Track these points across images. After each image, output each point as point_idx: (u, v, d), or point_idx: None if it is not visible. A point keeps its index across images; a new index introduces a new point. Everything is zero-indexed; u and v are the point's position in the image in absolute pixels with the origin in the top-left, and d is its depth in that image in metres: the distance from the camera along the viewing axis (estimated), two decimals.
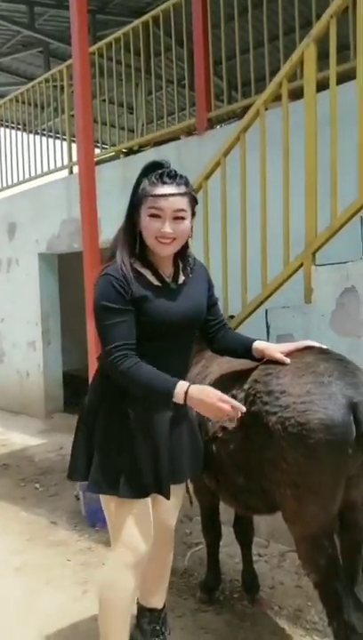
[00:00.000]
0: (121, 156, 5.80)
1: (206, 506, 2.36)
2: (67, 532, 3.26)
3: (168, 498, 1.73)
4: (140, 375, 1.60)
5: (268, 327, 2.83)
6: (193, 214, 1.70)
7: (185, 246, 1.77)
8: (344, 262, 2.56)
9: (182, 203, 1.64)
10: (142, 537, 1.73)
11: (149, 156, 4.88)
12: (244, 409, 1.58)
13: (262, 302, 2.91)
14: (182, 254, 1.79)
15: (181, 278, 1.79)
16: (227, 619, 2.33)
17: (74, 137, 5.78)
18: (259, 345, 1.86)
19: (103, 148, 6.48)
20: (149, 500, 1.74)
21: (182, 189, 1.63)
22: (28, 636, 2.23)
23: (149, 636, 2.03)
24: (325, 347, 1.80)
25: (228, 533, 2.55)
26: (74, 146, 5.82)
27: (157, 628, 2.02)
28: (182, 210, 1.64)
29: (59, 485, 4.05)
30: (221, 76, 5.02)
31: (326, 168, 2.64)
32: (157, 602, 2.04)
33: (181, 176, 1.65)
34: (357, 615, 1.56)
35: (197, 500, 2.27)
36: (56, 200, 5.92)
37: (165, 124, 5.12)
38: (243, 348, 1.90)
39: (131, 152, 5.68)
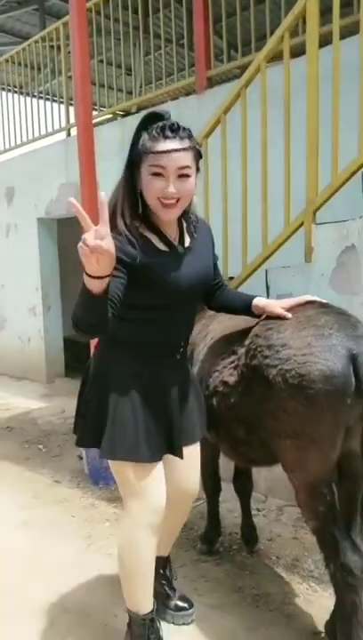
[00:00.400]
0: (118, 118, 5.71)
1: (207, 461, 2.40)
2: (70, 489, 3.34)
3: (181, 457, 1.73)
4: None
5: (268, 287, 2.85)
6: (197, 170, 1.58)
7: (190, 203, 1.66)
8: (345, 220, 2.56)
9: (187, 158, 1.50)
10: (158, 498, 1.70)
11: None
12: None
13: (262, 262, 2.91)
14: (185, 213, 1.68)
15: (188, 240, 1.70)
16: (227, 568, 2.41)
17: (71, 99, 5.71)
18: (259, 302, 1.84)
19: (101, 110, 6.35)
20: (161, 462, 1.71)
21: (186, 144, 1.50)
22: (37, 586, 2.31)
23: (155, 580, 2.01)
24: (325, 301, 1.81)
25: (227, 489, 2.61)
26: (71, 108, 5.74)
27: (161, 572, 2.04)
28: (187, 166, 1.51)
29: (61, 446, 4.13)
30: (220, 35, 4.90)
31: (328, 126, 2.61)
32: (164, 551, 2.05)
33: (183, 128, 1.52)
34: (353, 558, 1.62)
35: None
36: (54, 163, 5.85)
37: (164, 86, 5.02)
38: (243, 306, 1.88)
39: (129, 114, 5.59)
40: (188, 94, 4.89)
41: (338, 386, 1.55)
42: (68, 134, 5.85)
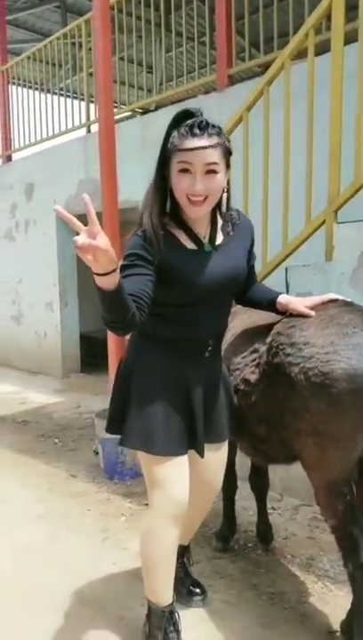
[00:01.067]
0: (138, 115, 5.72)
1: None
2: (86, 484, 3.36)
3: (202, 456, 1.74)
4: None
5: (287, 285, 2.84)
6: (227, 166, 1.59)
7: (226, 200, 1.68)
8: None
9: (214, 155, 1.51)
10: (179, 491, 1.70)
11: (168, 113, 4.80)
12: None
13: (282, 260, 2.90)
14: (220, 209, 1.70)
15: (220, 238, 1.69)
16: (241, 565, 2.41)
17: (92, 96, 5.73)
18: (283, 299, 1.84)
19: (120, 107, 6.37)
20: (186, 457, 1.72)
21: (214, 140, 1.51)
22: (52, 579, 2.33)
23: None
24: (348, 299, 1.80)
25: (243, 488, 2.61)
26: (91, 105, 5.77)
27: (180, 560, 2.08)
28: (214, 163, 1.52)
29: (77, 441, 4.16)
30: (242, 33, 4.89)
31: (351, 124, 2.59)
32: (184, 540, 2.08)
33: (213, 125, 1.53)
34: None
35: None
36: (74, 159, 5.88)
37: (184, 84, 5.02)
38: (267, 301, 1.89)
39: (148, 111, 5.60)
40: (207, 92, 4.88)
41: (361, 384, 1.54)
42: (89, 131, 5.87)
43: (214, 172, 1.53)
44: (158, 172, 1.61)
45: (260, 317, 1.99)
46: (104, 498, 3.15)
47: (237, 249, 1.73)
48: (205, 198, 1.56)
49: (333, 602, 2.13)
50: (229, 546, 2.53)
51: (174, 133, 1.54)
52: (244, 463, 2.53)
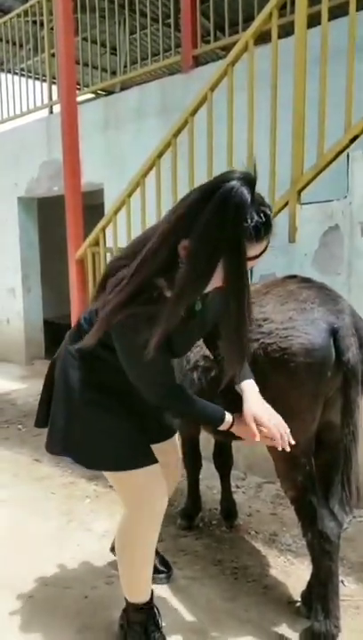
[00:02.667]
0: (102, 97, 5.63)
1: (187, 437, 2.44)
2: (50, 468, 3.34)
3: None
4: (193, 404, 1.53)
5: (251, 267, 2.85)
6: None
7: None
8: (329, 201, 2.58)
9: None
10: (160, 499, 1.66)
11: (132, 95, 4.75)
12: (286, 428, 1.50)
13: None
14: None
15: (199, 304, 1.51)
16: (206, 542, 2.44)
17: (54, 77, 5.61)
18: (245, 386, 1.58)
19: (83, 89, 6.25)
20: (157, 464, 1.67)
21: (270, 238, 1.31)
22: (17, 562, 2.31)
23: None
24: (306, 277, 1.83)
25: (207, 467, 2.64)
26: (54, 86, 5.64)
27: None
28: None
29: None
30: (207, 15, 4.85)
31: (314, 106, 2.62)
32: None
33: (272, 223, 1.29)
34: (330, 525, 1.65)
35: (179, 431, 2.33)
36: (35, 141, 5.75)
37: (150, 65, 4.96)
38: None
39: (112, 93, 5.51)
40: (172, 74, 4.84)
41: (319, 359, 1.58)
42: (51, 112, 5.75)
43: None
44: (212, 260, 1.25)
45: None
46: (68, 481, 3.14)
47: (217, 299, 1.46)
48: None
49: (294, 574, 2.18)
50: (193, 524, 2.55)
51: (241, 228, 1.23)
52: (208, 443, 2.55)
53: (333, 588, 1.69)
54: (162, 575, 2.12)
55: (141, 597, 1.75)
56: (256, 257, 1.29)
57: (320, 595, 1.70)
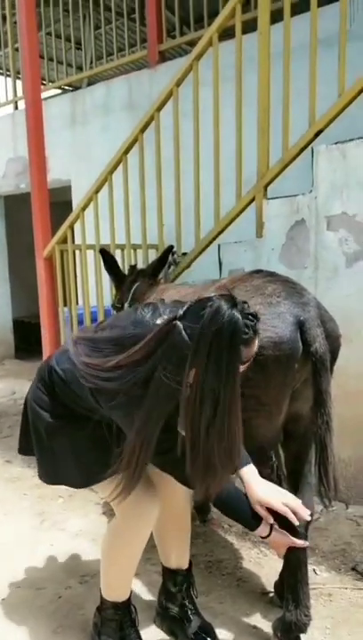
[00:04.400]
0: (68, 92, 5.57)
1: None
2: (22, 469, 3.30)
3: None
4: (231, 500, 1.50)
5: (220, 262, 2.87)
6: None
7: None
8: (295, 195, 2.60)
9: None
10: (148, 500, 1.63)
11: (99, 90, 4.71)
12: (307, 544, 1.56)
13: (215, 237, 2.92)
14: None
15: None
16: None
17: (18, 72, 5.51)
18: (242, 473, 1.55)
19: (50, 84, 6.17)
20: None
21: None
22: None
23: (175, 599, 1.87)
24: (272, 271, 1.85)
25: None
26: (18, 81, 5.55)
27: (183, 589, 1.87)
28: None
29: (13, 427, 4.06)
30: (172, 9, 4.83)
31: (279, 101, 2.63)
32: (182, 562, 1.88)
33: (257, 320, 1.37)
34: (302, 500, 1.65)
35: None
36: (1, 138, 5.66)
37: (116, 60, 4.92)
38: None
39: (78, 88, 5.46)
40: (139, 70, 4.81)
41: (286, 351, 1.59)
42: (16, 108, 5.66)
43: None
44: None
45: (187, 292, 2.01)
46: (41, 482, 3.09)
47: None
48: None
49: (267, 566, 2.21)
50: None
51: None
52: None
53: (302, 577, 1.71)
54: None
55: (121, 596, 1.74)
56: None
57: (290, 585, 1.72)
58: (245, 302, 1.36)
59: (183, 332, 1.31)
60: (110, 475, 1.54)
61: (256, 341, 1.37)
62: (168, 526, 1.83)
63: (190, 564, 1.90)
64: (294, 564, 1.70)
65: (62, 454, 1.66)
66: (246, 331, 1.30)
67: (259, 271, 1.84)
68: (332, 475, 1.64)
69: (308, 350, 1.60)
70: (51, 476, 1.74)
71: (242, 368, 1.34)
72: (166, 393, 1.34)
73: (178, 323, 1.34)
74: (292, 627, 1.69)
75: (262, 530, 1.49)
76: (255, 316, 1.34)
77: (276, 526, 1.50)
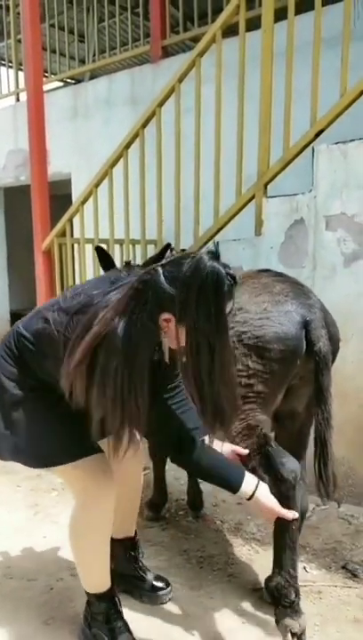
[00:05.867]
0: (70, 85, 5.55)
1: None
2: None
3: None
4: (208, 463, 1.52)
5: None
6: None
7: None
8: (295, 194, 2.60)
9: None
10: (107, 484, 1.64)
11: (101, 84, 4.70)
12: (297, 515, 1.55)
13: (214, 235, 2.93)
14: None
15: None
16: (172, 533, 2.46)
17: (21, 64, 5.49)
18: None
19: (51, 76, 6.15)
20: (102, 453, 1.65)
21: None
22: None
23: (126, 563, 2.02)
24: (279, 271, 1.90)
25: None
26: (20, 73, 5.53)
27: (134, 554, 2.03)
28: None
29: None
30: (177, 5, 4.82)
31: (281, 100, 2.64)
32: (129, 530, 2.02)
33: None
34: (286, 468, 1.66)
35: None
36: (2, 129, 5.64)
37: (119, 54, 4.90)
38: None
39: (80, 81, 5.44)
40: (141, 64, 4.80)
41: (291, 347, 1.66)
42: (18, 99, 5.64)
43: None
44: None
45: None
46: (35, 474, 3.11)
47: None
48: None
49: (258, 562, 2.22)
50: (160, 514, 2.57)
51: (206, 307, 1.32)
52: None
53: (288, 542, 1.67)
54: (161, 592, 1.99)
55: (99, 588, 1.74)
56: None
57: (277, 547, 1.71)
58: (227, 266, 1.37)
59: (163, 276, 1.34)
60: (72, 459, 1.57)
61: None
62: (121, 501, 1.80)
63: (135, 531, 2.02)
64: (282, 528, 1.67)
65: (23, 430, 1.59)
66: (229, 282, 1.32)
67: (267, 270, 1.91)
68: (331, 470, 1.68)
69: (312, 349, 1.66)
70: (8, 451, 1.65)
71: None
72: (145, 334, 1.35)
73: (159, 268, 1.36)
74: (274, 591, 1.69)
75: (246, 487, 1.49)
76: (234, 278, 1.35)
77: (260, 485, 1.50)
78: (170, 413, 1.56)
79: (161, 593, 1.99)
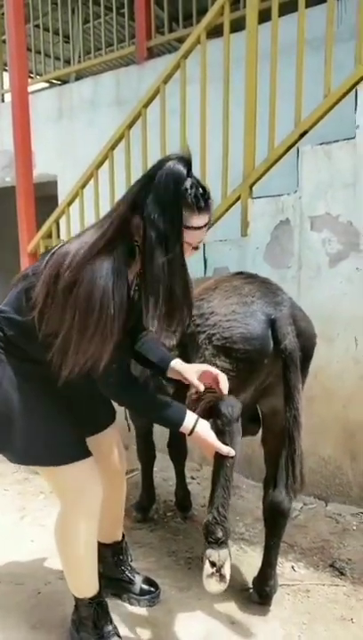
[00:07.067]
0: (56, 86, 5.53)
1: (142, 429, 2.45)
2: (3, 464, 3.23)
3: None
4: (152, 401, 1.54)
5: (205, 260, 2.88)
6: None
7: None
8: (280, 195, 2.61)
9: (206, 231, 1.43)
10: (94, 491, 1.63)
11: (86, 85, 4.68)
12: (233, 453, 1.57)
13: None
14: None
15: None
16: (160, 534, 2.46)
17: (5, 65, 5.46)
18: (176, 365, 1.63)
19: (37, 77, 6.12)
20: (91, 457, 1.63)
21: (211, 214, 1.42)
22: None
23: (114, 567, 2.00)
24: (253, 273, 1.93)
25: (163, 460, 2.65)
26: (5, 74, 5.50)
27: (121, 557, 2.02)
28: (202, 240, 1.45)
29: None
30: (162, 6, 4.82)
31: (265, 101, 2.65)
32: (116, 535, 2.00)
33: (210, 196, 1.40)
34: (226, 410, 1.68)
35: (133, 423, 2.34)
36: None
37: (104, 55, 4.89)
38: (160, 361, 1.66)
39: (66, 82, 5.42)
40: (127, 65, 4.79)
41: (256, 346, 1.69)
42: (2, 100, 5.61)
43: (197, 248, 1.45)
44: (176, 241, 1.36)
45: None
46: (22, 477, 3.10)
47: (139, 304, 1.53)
48: None
49: (246, 562, 2.22)
50: (148, 516, 2.57)
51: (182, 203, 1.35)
52: (163, 434, 2.57)
53: (220, 480, 1.64)
54: (150, 595, 1.98)
55: (87, 592, 1.73)
56: (203, 227, 1.39)
57: (211, 484, 1.68)
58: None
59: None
60: (68, 461, 1.56)
61: (205, 219, 1.39)
62: (104, 506, 1.77)
63: (123, 534, 2.02)
64: (218, 464, 1.64)
65: (8, 420, 1.55)
66: (193, 193, 1.34)
67: (241, 273, 1.94)
68: (299, 467, 1.70)
69: (278, 347, 1.68)
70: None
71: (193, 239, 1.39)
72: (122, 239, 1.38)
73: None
74: (204, 528, 1.66)
75: (187, 422, 1.52)
76: (205, 190, 1.38)
77: (200, 421, 1.54)
78: (129, 347, 1.62)
79: (150, 596, 1.98)
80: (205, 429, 1.55)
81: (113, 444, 1.86)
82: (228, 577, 1.58)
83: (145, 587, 1.99)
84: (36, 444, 1.56)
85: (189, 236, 1.37)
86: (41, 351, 1.43)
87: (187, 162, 1.37)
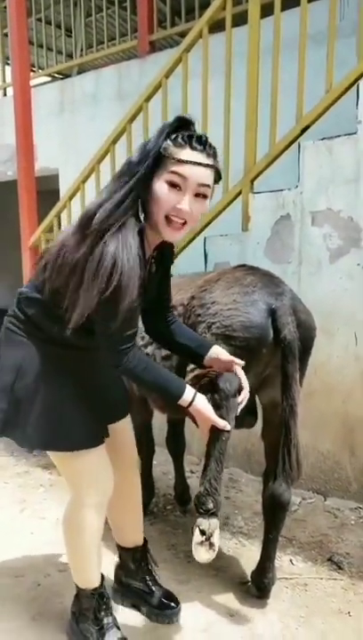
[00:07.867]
0: (58, 80, 5.52)
1: (140, 422, 2.45)
2: (4, 458, 3.30)
3: (108, 435, 1.68)
4: (156, 372, 1.52)
5: (206, 255, 2.88)
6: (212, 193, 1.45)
7: None
8: (281, 190, 2.61)
9: (209, 177, 1.39)
10: (105, 481, 1.65)
11: (88, 79, 4.67)
12: (229, 427, 1.57)
13: (201, 230, 2.93)
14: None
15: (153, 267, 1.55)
16: (160, 527, 2.47)
17: (7, 58, 5.45)
18: (217, 350, 1.64)
19: (39, 71, 6.11)
20: (103, 446, 1.64)
21: (211, 161, 1.38)
22: None
23: (135, 574, 1.93)
24: (255, 266, 1.95)
25: (162, 454, 2.66)
26: (7, 67, 5.48)
27: (142, 564, 1.93)
28: (207, 186, 1.39)
29: None
30: (164, 0, 4.80)
31: (267, 95, 2.64)
32: (138, 538, 1.94)
33: (211, 145, 1.40)
34: (225, 385, 1.67)
35: (131, 416, 2.35)
36: None
37: (106, 48, 4.89)
38: (198, 347, 1.66)
39: (68, 76, 5.41)
40: (129, 59, 4.78)
41: (256, 335, 1.70)
42: (4, 94, 5.59)
43: (204, 196, 1.40)
44: (138, 182, 1.37)
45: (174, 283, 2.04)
46: (22, 470, 3.11)
47: (156, 277, 1.61)
48: (184, 223, 1.40)
49: (245, 555, 2.23)
50: (147, 509, 2.57)
51: (168, 142, 1.37)
52: (161, 428, 2.58)
53: (214, 452, 1.64)
54: (170, 611, 1.87)
55: (90, 583, 1.74)
56: (196, 163, 1.36)
57: (205, 457, 1.67)
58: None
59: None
60: (75, 448, 1.56)
61: (200, 156, 1.38)
62: (121, 506, 1.81)
63: (145, 538, 1.96)
64: (214, 438, 1.64)
65: (26, 402, 1.54)
66: (185, 135, 1.37)
67: (243, 265, 1.94)
68: (295, 457, 1.71)
69: (278, 336, 1.70)
70: (10, 429, 1.58)
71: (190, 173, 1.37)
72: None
73: None
74: (195, 499, 1.65)
75: (186, 395, 1.51)
76: (201, 135, 1.40)
77: (198, 395, 1.54)
78: (154, 326, 1.70)
79: (170, 611, 1.86)
80: (202, 403, 1.55)
81: (126, 436, 1.85)
82: (217, 546, 1.57)
83: (165, 601, 1.88)
84: (51, 429, 1.55)
85: (182, 169, 1.35)
86: (61, 331, 1.45)
87: (180, 118, 1.41)
